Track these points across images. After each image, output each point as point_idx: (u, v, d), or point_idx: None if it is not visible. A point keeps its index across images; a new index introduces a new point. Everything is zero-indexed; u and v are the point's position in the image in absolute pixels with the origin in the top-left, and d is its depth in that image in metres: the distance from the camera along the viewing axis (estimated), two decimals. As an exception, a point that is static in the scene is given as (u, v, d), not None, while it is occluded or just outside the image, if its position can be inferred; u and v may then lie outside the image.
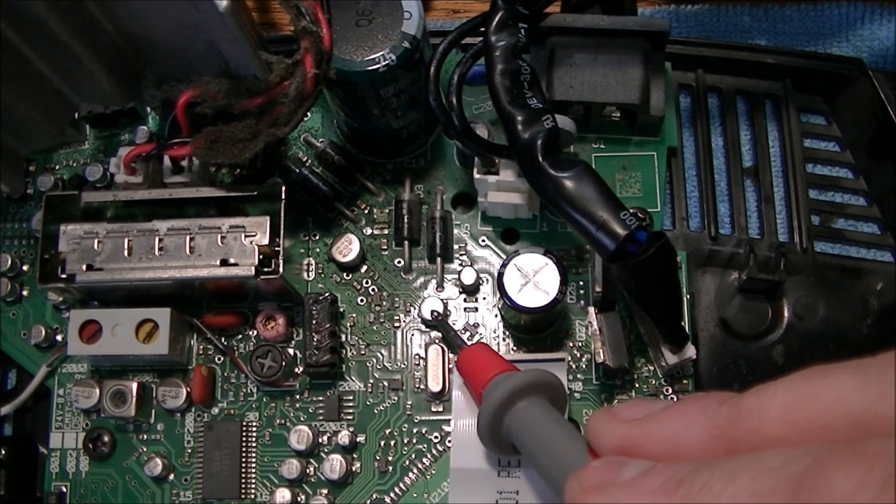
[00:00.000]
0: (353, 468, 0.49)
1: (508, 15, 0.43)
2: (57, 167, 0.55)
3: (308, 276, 0.52)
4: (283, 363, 0.49)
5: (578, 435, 0.34)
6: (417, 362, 0.50)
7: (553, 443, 0.35)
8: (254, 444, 0.50)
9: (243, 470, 0.49)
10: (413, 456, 0.49)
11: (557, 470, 0.34)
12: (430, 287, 0.51)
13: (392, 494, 0.49)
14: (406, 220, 0.51)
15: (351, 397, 0.50)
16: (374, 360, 0.50)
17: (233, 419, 0.50)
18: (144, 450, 0.50)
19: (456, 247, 0.52)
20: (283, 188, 0.47)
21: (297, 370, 0.50)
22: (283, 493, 0.48)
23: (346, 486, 0.49)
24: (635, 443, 0.29)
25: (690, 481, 0.24)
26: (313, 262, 0.52)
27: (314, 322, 0.48)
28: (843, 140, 0.56)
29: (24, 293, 0.54)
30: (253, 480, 0.49)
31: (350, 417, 0.50)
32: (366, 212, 0.53)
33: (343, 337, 0.51)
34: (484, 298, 0.51)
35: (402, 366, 0.50)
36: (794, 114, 0.55)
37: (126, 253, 0.47)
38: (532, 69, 0.43)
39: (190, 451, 0.50)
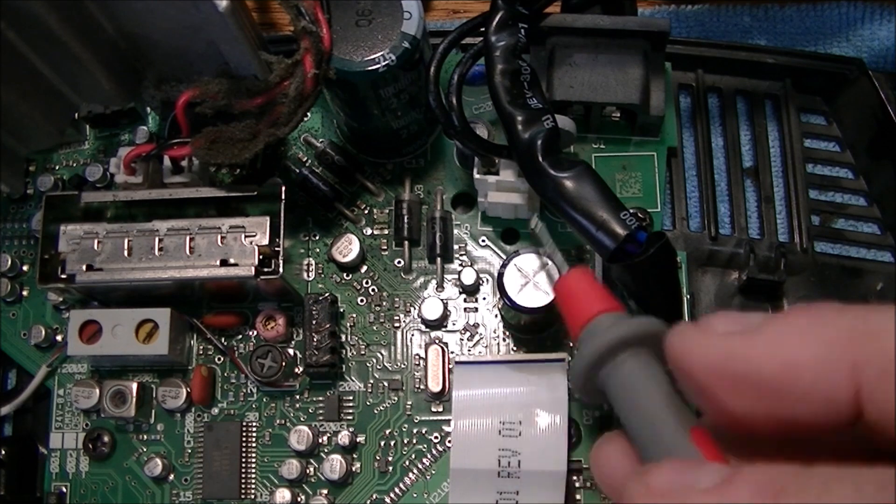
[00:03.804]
0: (353, 468, 0.49)
1: (508, 15, 0.43)
2: (57, 167, 0.55)
3: (308, 276, 0.52)
4: (283, 363, 0.49)
5: (682, 407, 0.31)
6: (417, 362, 0.50)
7: (652, 413, 0.31)
8: (254, 445, 0.50)
9: (243, 470, 0.49)
10: (413, 456, 0.49)
11: (652, 448, 0.30)
12: (430, 287, 0.51)
13: (392, 495, 0.49)
14: (406, 221, 0.51)
15: (351, 397, 0.50)
16: (374, 361, 0.50)
17: (233, 419, 0.50)
18: (144, 450, 0.50)
19: (456, 247, 0.52)
20: (283, 188, 0.47)
21: (297, 370, 0.50)
22: (283, 494, 0.48)
23: (346, 487, 0.49)
24: (741, 362, 0.24)
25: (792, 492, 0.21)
26: (313, 263, 0.52)
27: (314, 322, 0.48)
28: (843, 140, 0.56)
29: (24, 293, 0.54)
30: (253, 481, 0.49)
31: (350, 417, 0.50)
32: (366, 212, 0.53)
33: (343, 337, 0.51)
34: (484, 298, 0.51)
35: (402, 366, 0.50)
36: (794, 114, 0.55)
37: (126, 253, 0.47)
38: (532, 69, 0.43)
39: (190, 451, 0.50)
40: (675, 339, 0.27)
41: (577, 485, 0.47)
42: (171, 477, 0.50)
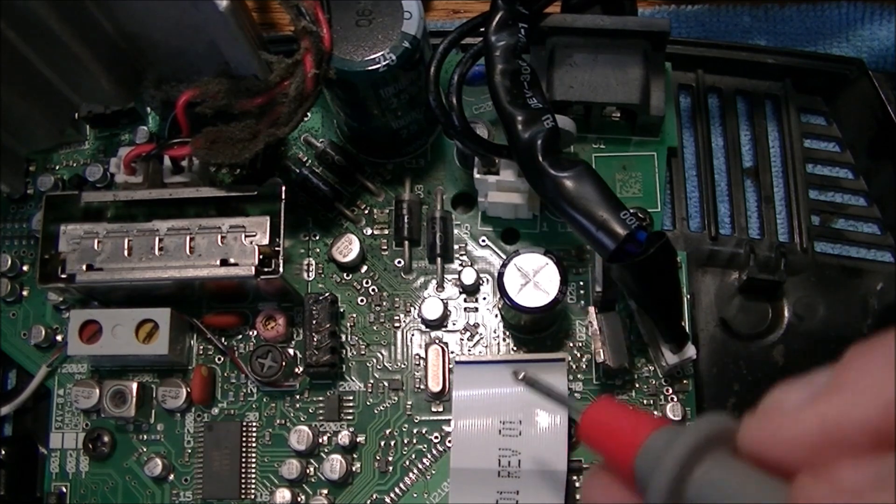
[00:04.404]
0: (353, 468, 0.49)
1: (508, 15, 0.43)
2: (57, 167, 0.55)
3: (308, 276, 0.52)
4: (283, 363, 0.49)
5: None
6: (417, 362, 0.50)
7: None
8: (254, 445, 0.50)
9: (243, 470, 0.49)
10: (413, 456, 0.49)
11: None
12: (431, 287, 0.51)
13: (392, 495, 0.49)
14: (406, 221, 0.51)
15: (351, 397, 0.50)
16: (375, 361, 0.50)
17: (233, 419, 0.50)
18: (144, 450, 0.50)
19: (456, 247, 0.52)
20: (283, 188, 0.47)
21: (297, 370, 0.50)
22: (283, 494, 0.48)
23: (346, 487, 0.49)
24: (836, 422, 0.22)
25: None
26: (313, 262, 0.52)
27: (314, 322, 0.48)
28: (843, 140, 0.56)
29: (24, 293, 0.54)
30: (253, 480, 0.49)
31: (350, 417, 0.50)
32: (366, 212, 0.53)
33: (343, 337, 0.51)
34: (484, 298, 0.51)
35: (403, 366, 0.50)
36: (794, 114, 0.55)
37: (126, 253, 0.47)
38: (532, 69, 0.43)
39: (190, 451, 0.50)
40: (754, 433, 0.24)
41: (577, 485, 0.47)
42: (171, 477, 0.50)
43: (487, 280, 0.51)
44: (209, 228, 0.47)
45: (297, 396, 0.50)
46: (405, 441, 0.49)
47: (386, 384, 0.50)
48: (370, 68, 0.44)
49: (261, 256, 0.47)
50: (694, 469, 0.27)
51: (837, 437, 0.22)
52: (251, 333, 0.51)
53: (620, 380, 0.49)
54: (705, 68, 0.56)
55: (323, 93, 0.47)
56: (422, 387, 0.50)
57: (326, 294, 0.49)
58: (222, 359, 0.51)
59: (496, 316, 0.50)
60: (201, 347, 0.51)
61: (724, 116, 0.56)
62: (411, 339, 0.51)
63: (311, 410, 0.50)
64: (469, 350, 0.50)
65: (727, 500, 0.26)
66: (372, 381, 0.50)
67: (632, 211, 0.41)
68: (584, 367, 0.49)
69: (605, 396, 0.34)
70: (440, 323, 0.50)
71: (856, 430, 0.21)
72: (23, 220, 0.55)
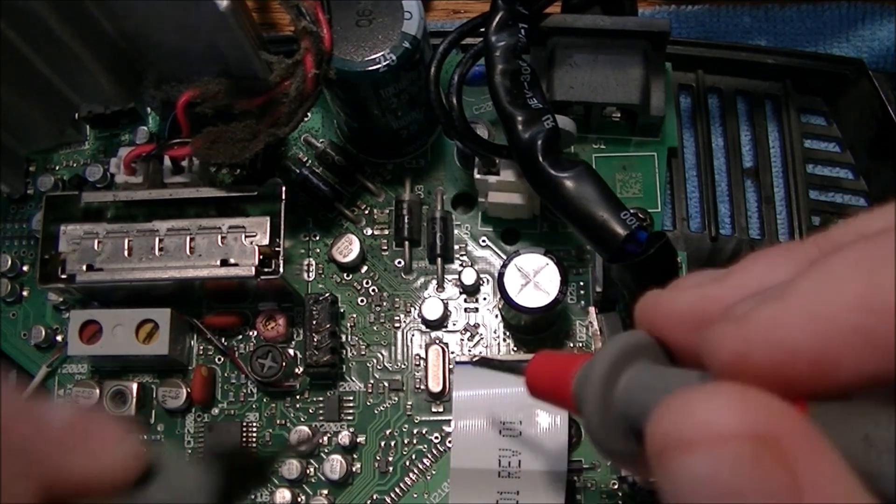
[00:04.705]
0: (354, 468, 0.49)
1: (508, 15, 0.43)
2: (57, 167, 0.55)
3: (308, 276, 0.52)
4: (284, 363, 0.49)
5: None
6: (418, 363, 0.50)
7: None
8: (254, 445, 0.50)
9: (243, 470, 0.49)
10: (413, 456, 0.49)
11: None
12: (431, 287, 0.51)
13: (392, 495, 0.49)
14: (406, 221, 0.51)
15: (351, 398, 0.50)
16: (375, 361, 0.50)
17: (233, 419, 0.50)
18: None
19: (456, 247, 0.52)
20: (284, 188, 0.47)
21: (297, 370, 0.50)
22: (283, 494, 0.48)
23: (347, 487, 0.49)
24: (714, 299, 0.23)
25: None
26: (313, 263, 0.52)
27: (314, 322, 0.48)
28: (844, 140, 0.56)
29: (25, 293, 0.54)
30: (253, 481, 0.49)
31: (350, 418, 0.50)
32: (366, 212, 0.53)
33: (343, 337, 0.51)
34: (484, 299, 0.51)
35: (403, 366, 0.50)
36: (795, 114, 0.55)
37: (126, 253, 0.47)
38: (532, 69, 0.43)
39: (190, 451, 0.50)
40: (647, 300, 0.25)
41: (577, 485, 0.47)
42: (171, 477, 0.50)
43: (488, 280, 0.51)
44: (209, 229, 0.47)
45: (298, 396, 0.50)
46: (405, 441, 0.49)
47: (386, 384, 0.50)
48: (370, 68, 0.44)
49: (261, 257, 0.47)
50: (617, 383, 0.27)
51: (711, 316, 0.22)
52: (251, 333, 0.51)
53: (620, 380, 0.49)
54: (705, 68, 0.56)
55: (323, 93, 0.47)
56: (422, 387, 0.50)
57: (326, 294, 0.49)
58: (222, 359, 0.51)
59: (496, 316, 0.50)
60: (201, 347, 0.51)
61: (725, 117, 0.56)
62: (411, 339, 0.51)
63: (311, 411, 0.50)
64: (469, 350, 0.50)
65: (653, 396, 0.25)
66: (372, 382, 0.50)
67: (632, 211, 0.41)
68: (584, 367, 0.49)
69: (541, 351, 0.33)
70: (440, 323, 0.50)
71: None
72: (23, 220, 0.55)
